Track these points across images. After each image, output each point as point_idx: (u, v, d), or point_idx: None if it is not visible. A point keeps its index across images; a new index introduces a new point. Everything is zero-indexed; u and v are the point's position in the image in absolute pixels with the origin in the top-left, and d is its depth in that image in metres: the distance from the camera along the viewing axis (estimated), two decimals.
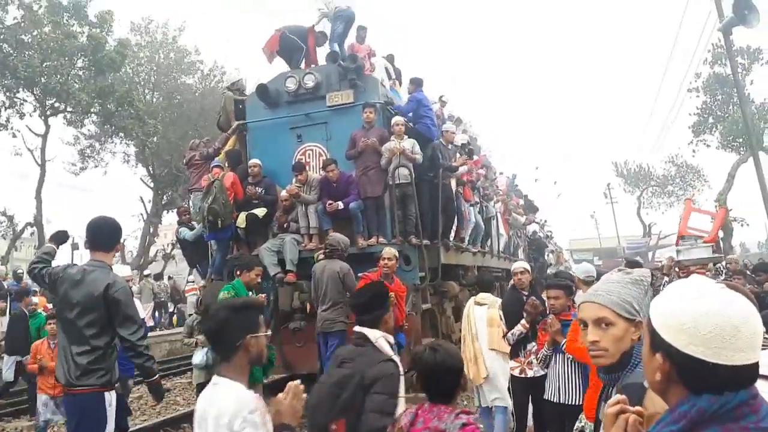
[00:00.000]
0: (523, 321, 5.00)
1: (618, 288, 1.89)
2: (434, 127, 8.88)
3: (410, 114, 8.66)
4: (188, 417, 7.25)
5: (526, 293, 5.39)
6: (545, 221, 22.60)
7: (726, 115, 25.61)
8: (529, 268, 5.86)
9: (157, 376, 3.93)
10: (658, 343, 1.20)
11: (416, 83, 8.91)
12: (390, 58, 11.45)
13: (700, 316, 1.14)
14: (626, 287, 1.90)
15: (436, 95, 14.43)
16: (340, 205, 7.58)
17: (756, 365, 1.13)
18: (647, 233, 43.60)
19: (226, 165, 8.49)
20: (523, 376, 5.18)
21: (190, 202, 9.18)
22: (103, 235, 3.81)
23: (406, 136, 7.92)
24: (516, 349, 5.22)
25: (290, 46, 9.16)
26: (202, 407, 2.18)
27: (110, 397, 3.58)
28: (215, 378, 2.21)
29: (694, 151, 28.92)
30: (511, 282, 5.72)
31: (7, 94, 18.94)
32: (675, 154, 39.16)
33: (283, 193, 8.02)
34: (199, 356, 7.17)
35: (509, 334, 5.13)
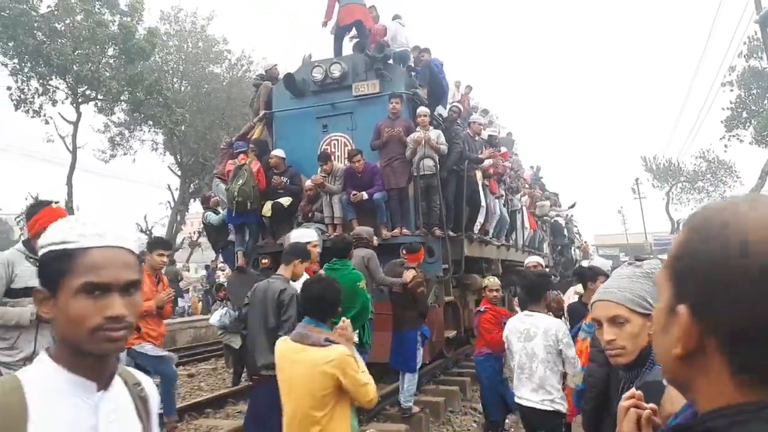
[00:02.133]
0: None
1: (629, 283, 1.84)
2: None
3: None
4: (212, 402, 7.35)
5: None
6: (571, 216, 22.30)
7: (761, 110, 24.98)
8: (542, 261, 5.79)
9: None
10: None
11: (427, 51, 8.98)
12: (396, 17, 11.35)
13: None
14: (637, 281, 1.84)
15: (462, 84, 14.34)
16: (365, 195, 7.59)
17: None
18: (675, 229, 42.84)
19: (253, 153, 8.58)
20: None
21: (213, 189, 9.38)
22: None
23: (431, 127, 7.88)
24: None
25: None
26: None
27: None
28: None
29: (726, 146, 28.33)
30: None
31: (41, 81, 19.31)
32: (706, 149, 38.38)
33: (308, 183, 8.06)
34: (216, 317, 8.35)
35: None
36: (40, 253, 1.12)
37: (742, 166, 38.33)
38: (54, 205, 3.83)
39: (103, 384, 1.13)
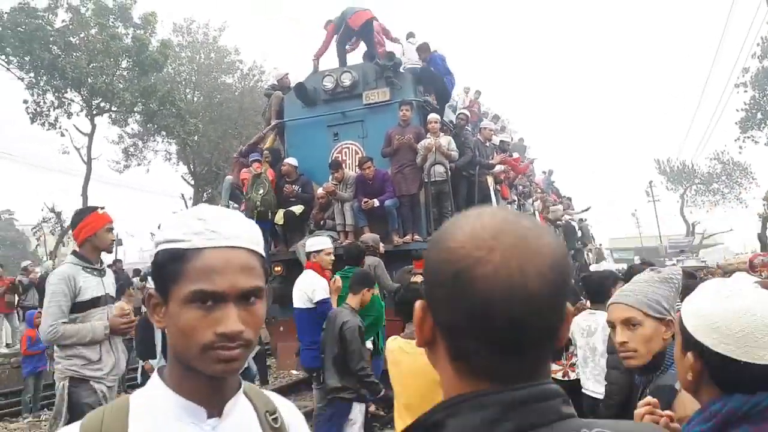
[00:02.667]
0: None
1: (645, 287, 1.87)
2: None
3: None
4: None
5: None
6: (585, 219, 22.17)
7: None
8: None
9: None
10: (689, 342, 1.19)
11: (425, 49, 9.04)
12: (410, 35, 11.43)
13: (731, 315, 1.13)
14: (653, 285, 1.86)
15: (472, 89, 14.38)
16: (376, 202, 7.63)
17: None
18: (690, 232, 42.40)
19: (267, 162, 8.69)
20: (566, 379, 5.10)
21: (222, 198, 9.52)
22: None
23: (442, 134, 7.92)
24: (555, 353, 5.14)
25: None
26: None
27: None
28: None
29: (740, 147, 28.07)
30: None
31: (56, 94, 19.62)
32: (721, 150, 38.01)
33: (320, 191, 8.12)
34: None
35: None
36: (154, 252, 0.98)
37: (757, 167, 37.82)
38: (100, 211, 3.74)
39: (218, 410, 0.96)
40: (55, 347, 3.60)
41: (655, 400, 1.51)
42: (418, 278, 6.08)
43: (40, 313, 9.43)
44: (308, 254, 5.36)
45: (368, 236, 6.80)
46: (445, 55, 9.26)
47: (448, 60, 9.21)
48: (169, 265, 0.92)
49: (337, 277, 5.14)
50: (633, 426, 0.96)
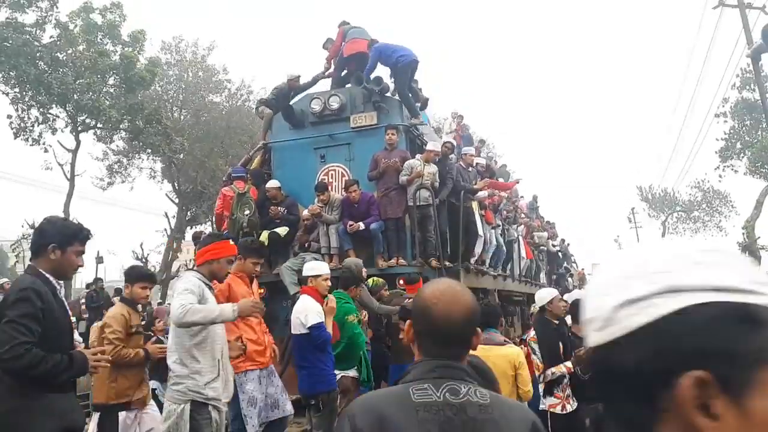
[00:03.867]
0: (568, 364, 4.86)
1: None
2: (411, 55, 8.81)
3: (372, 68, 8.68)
4: None
5: (557, 323, 5.30)
6: (568, 244, 22.32)
7: (755, 141, 25.24)
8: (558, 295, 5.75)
9: None
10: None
11: (373, 42, 9.02)
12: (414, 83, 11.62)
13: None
14: None
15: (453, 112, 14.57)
16: (361, 225, 7.63)
17: None
18: None
19: (250, 182, 8.66)
20: (564, 412, 5.06)
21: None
22: None
23: (432, 164, 8.01)
24: (550, 386, 5.07)
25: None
26: None
27: None
28: None
29: (720, 176, 28.53)
30: (539, 311, 5.57)
31: (41, 110, 19.50)
32: (701, 179, 38.60)
33: (305, 213, 8.10)
34: None
35: (548, 372, 4.96)
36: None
37: (737, 196, 38.49)
38: (231, 242, 3.94)
39: None
40: (171, 371, 3.66)
41: None
42: (410, 303, 6.06)
43: None
44: (305, 278, 5.31)
45: (351, 261, 6.77)
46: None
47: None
48: (736, 331, 0.59)
49: (331, 296, 5.09)
50: (511, 403, 1.67)
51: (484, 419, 1.44)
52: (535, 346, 5.17)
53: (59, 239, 2.99)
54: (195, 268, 3.89)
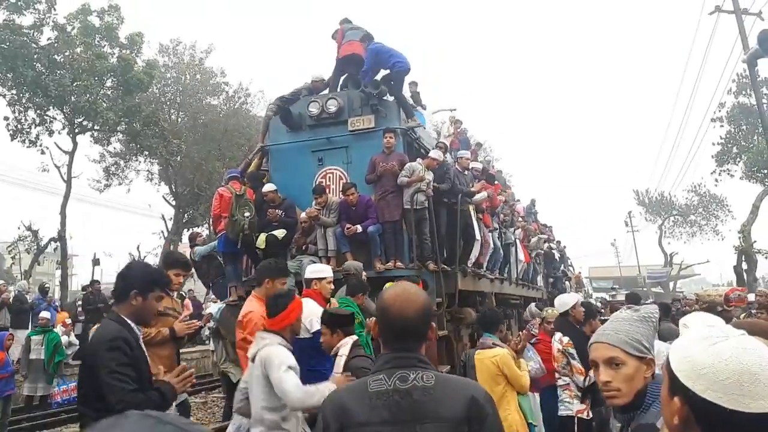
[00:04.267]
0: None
1: (626, 326, 1.89)
2: (406, 62, 8.82)
3: (370, 68, 8.68)
4: None
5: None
6: (564, 246, 22.36)
7: (751, 146, 25.34)
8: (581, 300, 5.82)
9: None
10: (677, 387, 1.20)
11: (369, 38, 9.03)
12: (413, 85, 11.65)
13: (719, 362, 1.13)
14: (634, 325, 1.89)
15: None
16: (359, 228, 7.63)
17: None
18: (668, 263, 42.94)
19: (248, 184, 8.65)
20: (588, 417, 5.10)
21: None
22: None
23: (431, 172, 8.04)
24: (586, 391, 5.13)
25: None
26: None
27: None
28: None
29: (717, 180, 28.63)
30: (561, 315, 5.65)
31: (38, 111, 19.45)
32: (698, 183, 38.71)
33: (303, 215, 8.10)
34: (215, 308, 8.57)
35: (586, 378, 5.05)
36: None
37: (733, 200, 38.59)
38: (297, 296, 3.94)
39: None
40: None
41: None
42: None
43: (12, 335, 9.29)
44: (309, 280, 5.26)
45: (351, 264, 6.76)
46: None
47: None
48: None
49: (334, 300, 5.05)
50: (454, 382, 1.91)
51: (427, 400, 1.75)
52: (573, 351, 5.17)
53: (140, 285, 3.04)
54: (273, 331, 3.69)
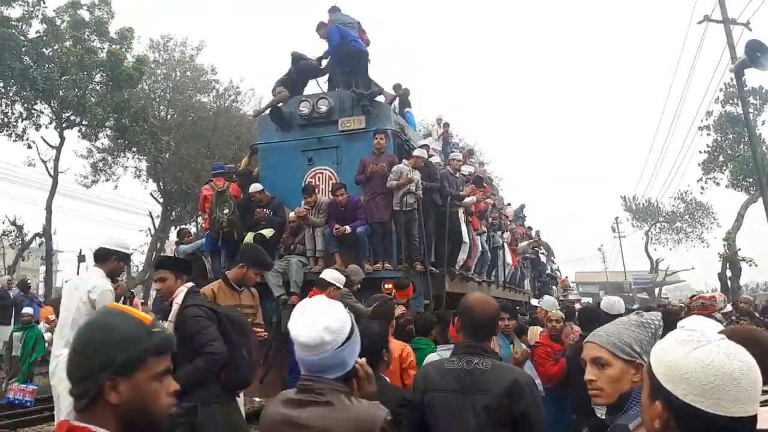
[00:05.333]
0: None
1: (620, 329, 1.92)
2: (362, 43, 8.97)
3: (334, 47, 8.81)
4: None
5: None
6: (552, 255, 22.43)
7: (737, 154, 25.62)
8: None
9: None
10: (657, 390, 1.20)
11: (331, 14, 9.12)
12: (397, 87, 11.66)
13: (700, 367, 1.14)
14: (629, 329, 1.91)
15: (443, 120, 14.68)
16: (348, 229, 7.62)
17: (754, 418, 1.14)
18: (654, 269, 43.29)
19: (236, 180, 8.64)
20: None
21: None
22: None
23: (417, 171, 8.03)
24: None
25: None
26: None
27: None
28: None
29: (703, 188, 28.91)
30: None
31: (25, 105, 19.24)
32: (684, 190, 39.06)
33: (292, 215, 8.08)
34: None
35: None
36: None
37: (719, 208, 38.93)
38: None
39: None
40: None
41: None
42: (400, 309, 6.03)
43: None
44: (326, 284, 5.17)
45: (353, 268, 6.62)
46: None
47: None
48: None
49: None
50: (506, 368, 2.60)
51: (482, 379, 2.47)
52: None
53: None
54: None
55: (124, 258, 4.77)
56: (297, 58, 9.31)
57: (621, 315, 5.38)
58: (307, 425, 1.68)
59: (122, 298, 8.07)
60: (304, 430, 1.66)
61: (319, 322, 1.75)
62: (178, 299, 3.73)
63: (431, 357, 3.78)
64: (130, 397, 1.30)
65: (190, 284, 3.88)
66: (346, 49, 8.75)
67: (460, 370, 2.50)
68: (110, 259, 4.54)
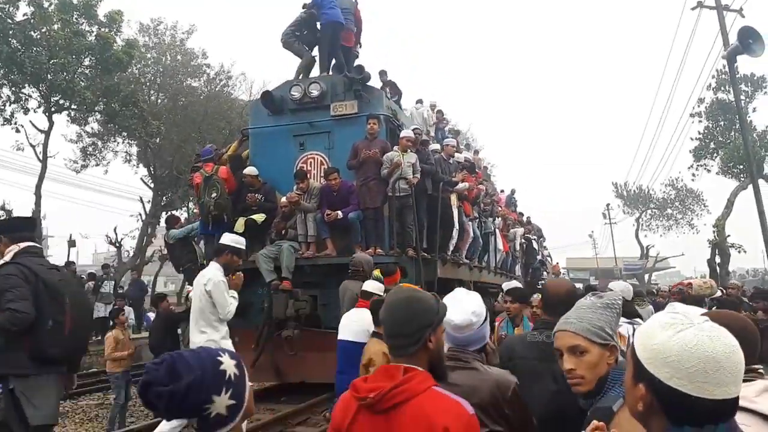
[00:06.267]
0: None
1: (589, 314, 1.91)
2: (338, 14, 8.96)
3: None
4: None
5: None
6: (543, 239, 22.52)
7: (728, 141, 25.70)
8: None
9: None
10: (641, 374, 1.21)
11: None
12: (383, 73, 11.61)
13: (684, 350, 1.14)
14: (597, 312, 1.91)
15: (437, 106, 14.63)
16: (339, 214, 7.60)
17: (736, 399, 1.15)
18: (644, 255, 43.57)
19: (227, 164, 8.60)
20: None
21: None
22: None
23: (410, 152, 7.98)
24: None
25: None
26: None
27: None
28: None
29: (694, 175, 29.04)
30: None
31: (13, 89, 18.96)
32: (675, 177, 39.22)
33: (283, 200, 8.05)
34: None
35: None
36: None
37: (709, 194, 39.15)
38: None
39: None
40: None
41: (602, 423, 1.55)
42: None
43: None
44: (368, 294, 5.05)
45: (361, 257, 6.28)
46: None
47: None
48: None
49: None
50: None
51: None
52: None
53: None
54: None
55: (237, 252, 5.31)
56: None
57: (629, 301, 5.42)
58: (457, 383, 2.03)
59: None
60: (455, 388, 1.92)
61: (467, 308, 2.29)
62: (7, 258, 3.72)
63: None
64: None
65: (25, 244, 3.81)
66: (319, 19, 8.73)
67: (540, 342, 2.73)
68: (224, 254, 5.20)
